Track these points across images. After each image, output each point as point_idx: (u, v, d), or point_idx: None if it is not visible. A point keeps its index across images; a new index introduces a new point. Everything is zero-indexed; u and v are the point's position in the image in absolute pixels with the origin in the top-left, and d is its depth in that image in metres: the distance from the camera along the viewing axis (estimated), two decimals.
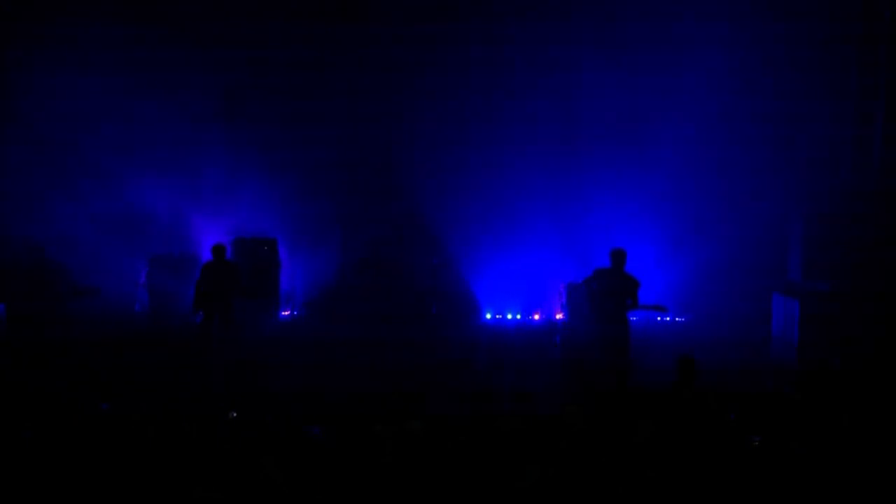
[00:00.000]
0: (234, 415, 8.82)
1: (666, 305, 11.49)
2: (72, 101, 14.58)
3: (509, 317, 15.28)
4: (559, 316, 14.79)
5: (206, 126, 14.90)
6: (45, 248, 12.25)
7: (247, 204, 15.10)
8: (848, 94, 14.33)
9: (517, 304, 15.27)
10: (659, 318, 14.50)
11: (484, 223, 15.09)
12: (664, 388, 9.25)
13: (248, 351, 12.20)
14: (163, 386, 10.34)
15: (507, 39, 14.81)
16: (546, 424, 8.21)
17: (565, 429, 8.18)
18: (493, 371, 11.63)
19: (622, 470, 7.52)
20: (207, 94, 14.90)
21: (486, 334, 14.10)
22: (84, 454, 7.59)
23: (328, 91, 14.99)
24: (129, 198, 14.96)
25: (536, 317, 15.32)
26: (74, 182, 14.82)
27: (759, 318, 13.71)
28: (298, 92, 14.89)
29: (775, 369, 12.15)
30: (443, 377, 11.10)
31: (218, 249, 12.07)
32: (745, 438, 8.28)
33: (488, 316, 15.24)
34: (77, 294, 12.30)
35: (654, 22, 14.48)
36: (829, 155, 14.35)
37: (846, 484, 7.41)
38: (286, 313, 15.14)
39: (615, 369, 10.45)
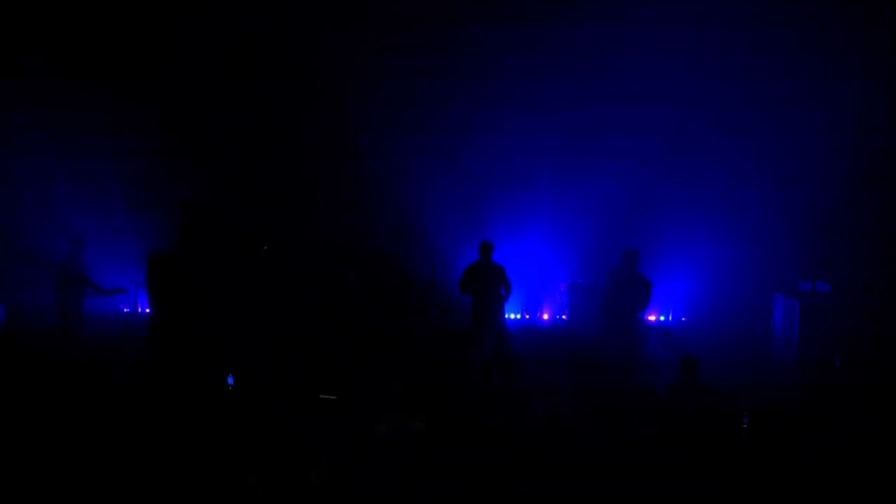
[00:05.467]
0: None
1: (671, 332, 11.63)
2: None
3: (511, 316, 15.28)
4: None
5: None
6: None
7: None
8: (848, 81, 14.18)
9: (518, 303, 15.25)
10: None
11: (484, 221, 15.05)
12: (667, 387, 9.29)
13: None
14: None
15: (507, 24, 14.76)
16: None
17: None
18: (494, 370, 11.64)
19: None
20: None
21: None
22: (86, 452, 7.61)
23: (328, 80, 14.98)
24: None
25: (527, 316, 15.32)
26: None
27: (760, 317, 13.74)
28: (291, 79, 14.92)
29: (776, 368, 12.21)
30: (442, 377, 11.10)
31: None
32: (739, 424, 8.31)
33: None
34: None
35: (650, 6, 14.47)
36: (829, 144, 14.24)
37: (848, 485, 7.43)
38: None
39: (621, 365, 10.54)
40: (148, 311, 11.74)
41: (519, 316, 15.36)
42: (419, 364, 11.63)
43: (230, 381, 9.86)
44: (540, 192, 14.99)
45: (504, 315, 12.07)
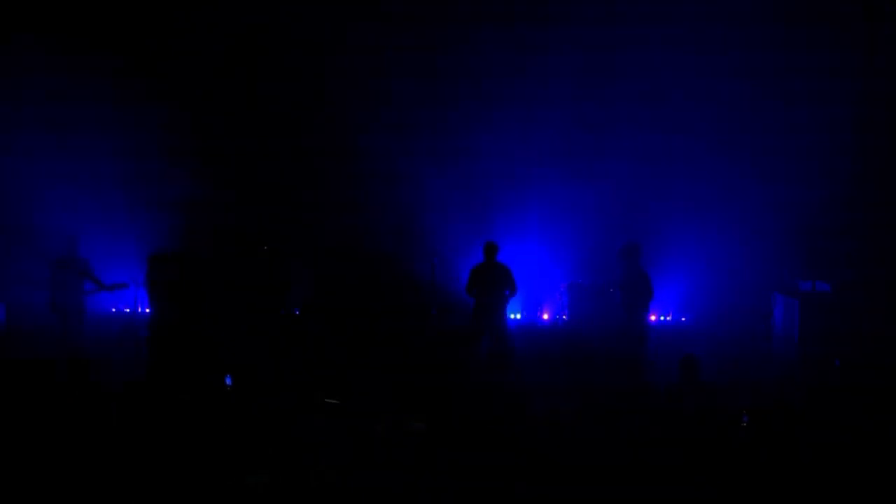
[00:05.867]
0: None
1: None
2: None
3: (512, 316, 15.27)
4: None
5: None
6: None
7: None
8: (849, 79, 14.14)
9: (518, 303, 15.23)
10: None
11: (484, 221, 15.05)
12: (667, 387, 9.29)
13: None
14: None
15: (508, 24, 14.75)
16: None
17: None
18: (494, 370, 11.66)
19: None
20: None
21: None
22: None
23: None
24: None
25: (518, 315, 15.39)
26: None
27: (760, 317, 13.73)
28: (291, 79, 14.92)
29: (777, 368, 12.20)
30: (442, 377, 11.09)
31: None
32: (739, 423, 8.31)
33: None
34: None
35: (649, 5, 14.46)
36: (830, 143, 14.21)
37: (848, 485, 7.43)
38: None
39: (628, 364, 10.61)
40: (148, 310, 11.74)
41: (519, 316, 15.35)
42: (419, 364, 11.64)
43: (228, 381, 9.87)
44: (540, 193, 14.99)
45: (506, 316, 12.12)
